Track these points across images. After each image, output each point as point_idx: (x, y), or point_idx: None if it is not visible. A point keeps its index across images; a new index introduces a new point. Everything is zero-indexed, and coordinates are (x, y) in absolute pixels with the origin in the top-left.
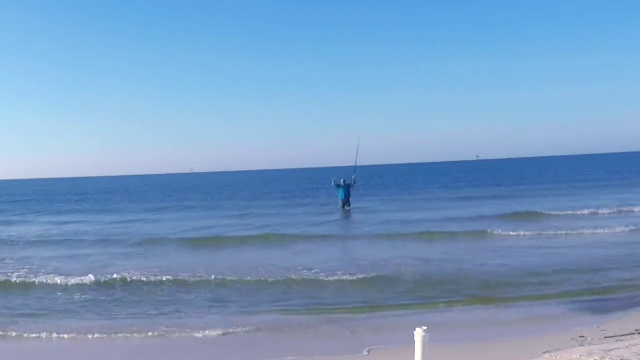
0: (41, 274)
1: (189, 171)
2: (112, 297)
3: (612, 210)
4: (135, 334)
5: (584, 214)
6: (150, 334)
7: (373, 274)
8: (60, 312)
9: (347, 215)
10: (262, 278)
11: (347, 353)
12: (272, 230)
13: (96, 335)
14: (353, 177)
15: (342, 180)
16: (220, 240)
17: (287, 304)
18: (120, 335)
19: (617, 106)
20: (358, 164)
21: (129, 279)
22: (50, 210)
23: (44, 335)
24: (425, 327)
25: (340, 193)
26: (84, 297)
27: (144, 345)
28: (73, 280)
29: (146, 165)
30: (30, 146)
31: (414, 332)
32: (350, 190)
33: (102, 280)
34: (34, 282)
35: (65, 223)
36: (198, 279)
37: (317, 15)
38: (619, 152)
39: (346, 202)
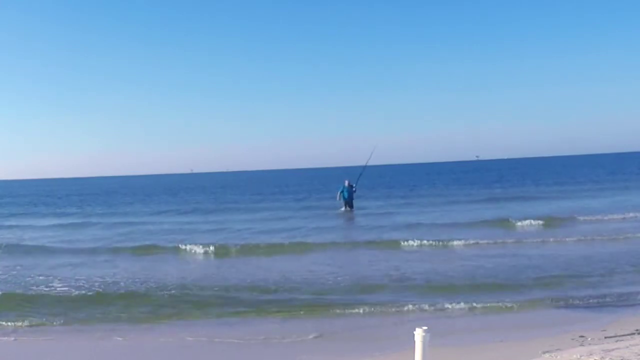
0: (46, 282)
1: (189, 171)
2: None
3: (615, 216)
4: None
5: (590, 219)
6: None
7: (378, 281)
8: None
9: (349, 217)
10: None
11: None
12: (281, 238)
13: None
14: (355, 186)
15: (346, 182)
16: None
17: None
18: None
19: (617, 106)
20: (358, 164)
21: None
22: (62, 212)
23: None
24: (425, 327)
25: (344, 193)
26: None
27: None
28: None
29: (146, 165)
30: (30, 146)
31: (414, 332)
32: (353, 193)
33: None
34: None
35: (76, 226)
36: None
37: (317, 15)
38: (619, 152)
39: (349, 203)
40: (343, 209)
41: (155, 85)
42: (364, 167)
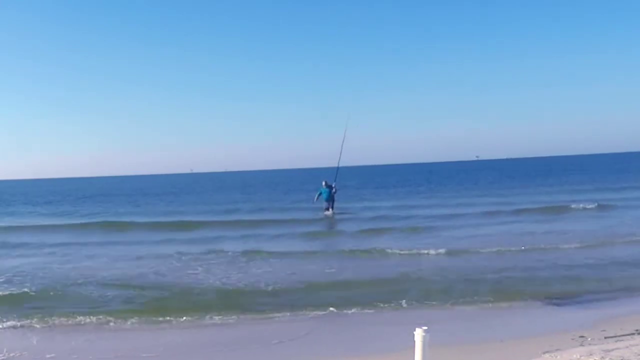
0: None
1: (189, 171)
2: None
3: None
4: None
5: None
6: None
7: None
8: None
9: (329, 223)
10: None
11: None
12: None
13: None
14: (334, 184)
15: (324, 182)
16: None
17: None
18: None
19: (617, 106)
20: (357, 163)
21: None
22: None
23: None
24: (425, 327)
25: (323, 195)
26: None
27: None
28: None
29: (146, 165)
30: (30, 146)
31: (414, 332)
32: (333, 192)
33: None
34: None
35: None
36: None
37: (317, 16)
38: (620, 152)
39: (329, 205)
40: (325, 211)
41: (155, 85)
42: (338, 165)
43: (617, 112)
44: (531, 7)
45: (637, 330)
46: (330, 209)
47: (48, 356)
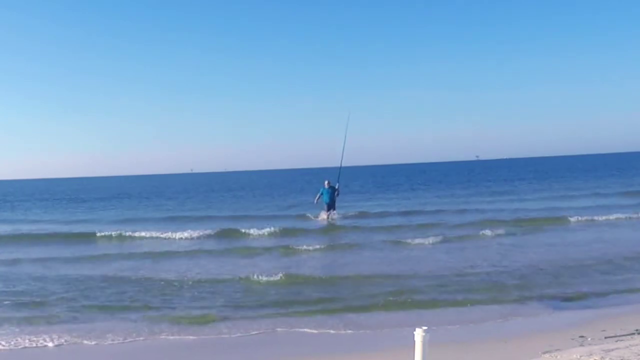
0: None
1: (189, 171)
2: None
3: None
4: None
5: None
6: None
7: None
8: None
9: (330, 229)
10: None
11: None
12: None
13: None
14: (337, 185)
15: (326, 182)
16: None
17: None
18: None
19: (618, 106)
20: (357, 163)
21: None
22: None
23: None
24: (425, 327)
25: (325, 196)
26: None
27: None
28: None
29: (146, 165)
30: (30, 146)
31: (414, 332)
32: (336, 195)
33: None
34: None
35: None
36: None
37: (317, 16)
38: (620, 152)
39: (330, 207)
40: (325, 215)
41: (155, 85)
42: (341, 164)
43: (618, 111)
44: (531, 6)
45: (637, 330)
46: (332, 213)
47: None
